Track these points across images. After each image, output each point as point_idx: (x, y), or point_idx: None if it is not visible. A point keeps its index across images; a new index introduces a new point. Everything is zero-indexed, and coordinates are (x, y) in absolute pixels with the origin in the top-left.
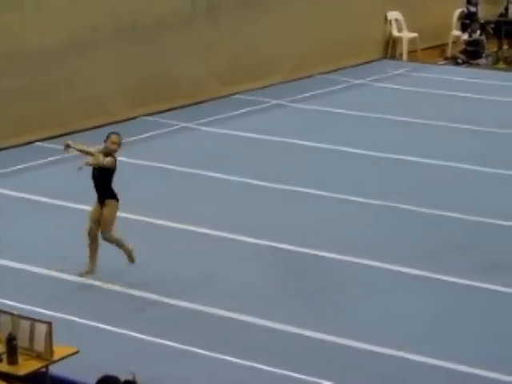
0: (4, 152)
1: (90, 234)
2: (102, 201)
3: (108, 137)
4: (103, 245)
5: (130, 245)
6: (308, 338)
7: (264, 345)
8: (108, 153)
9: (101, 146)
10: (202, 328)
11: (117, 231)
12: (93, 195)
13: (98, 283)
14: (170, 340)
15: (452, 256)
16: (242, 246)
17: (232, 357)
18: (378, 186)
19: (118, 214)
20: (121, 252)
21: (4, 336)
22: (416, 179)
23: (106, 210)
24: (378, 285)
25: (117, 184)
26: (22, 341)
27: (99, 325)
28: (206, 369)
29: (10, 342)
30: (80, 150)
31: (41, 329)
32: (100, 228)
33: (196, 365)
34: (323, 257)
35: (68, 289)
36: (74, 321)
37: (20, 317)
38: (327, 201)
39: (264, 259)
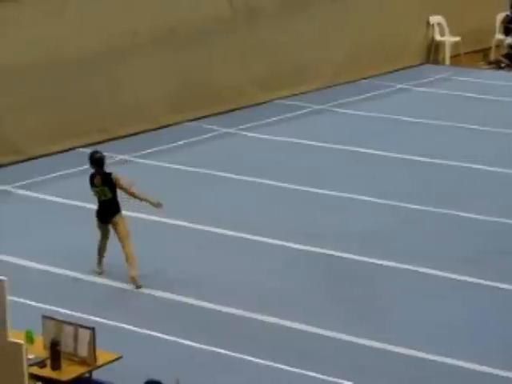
0: (46, 158)
1: None
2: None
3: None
4: (141, 249)
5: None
6: (351, 343)
7: (308, 351)
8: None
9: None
10: (244, 333)
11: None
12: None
13: (144, 290)
14: (213, 345)
15: (494, 261)
16: (285, 252)
17: (276, 363)
18: (419, 191)
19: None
20: (160, 256)
21: (48, 341)
22: (460, 184)
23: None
24: (420, 290)
25: (159, 190)
26: (66, 346)
27: (142, 330)
28: (250, 374)
29: (54, 347)
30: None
31: (84, 334)
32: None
33: (239, 370)
34: (367, 262)
35: (110, 294)
36: (116, 326)
37: (64, 322)
38: (369, 206)
39: (309, 264)
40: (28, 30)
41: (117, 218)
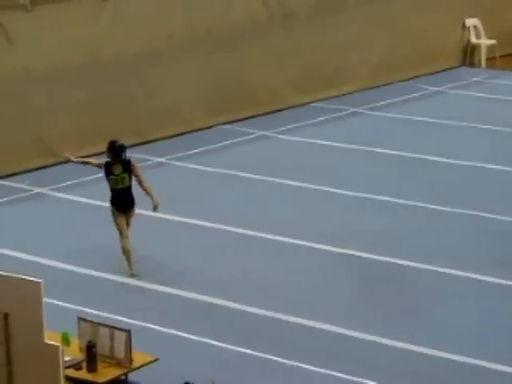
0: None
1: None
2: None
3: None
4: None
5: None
6: (375, 343)
7: (334, 351)
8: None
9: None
10: (277, 335)
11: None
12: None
13: (171, 290)
14: (243, 346)
15: None
16: (317, 254)
17: (308, 364)
18: (454, 193)
19: (196, 221)
20: (187, 256)
21: (83, 343)
22: (495, 187)
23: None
24: (443, 290)
25: (194, 192)
26: (102, 348)
27: (172, 331)
28: (283, 376)
29: (90, 349)
30: (84, 162)
31: (120, 336)
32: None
33: (270, 372)
34: (390, 262)
35: (146, 297)
36: (152, 328)
37: (99, 324)
38: (403, 208)
39: (334, 265)
40: (64, 33)
41: (135, 209)
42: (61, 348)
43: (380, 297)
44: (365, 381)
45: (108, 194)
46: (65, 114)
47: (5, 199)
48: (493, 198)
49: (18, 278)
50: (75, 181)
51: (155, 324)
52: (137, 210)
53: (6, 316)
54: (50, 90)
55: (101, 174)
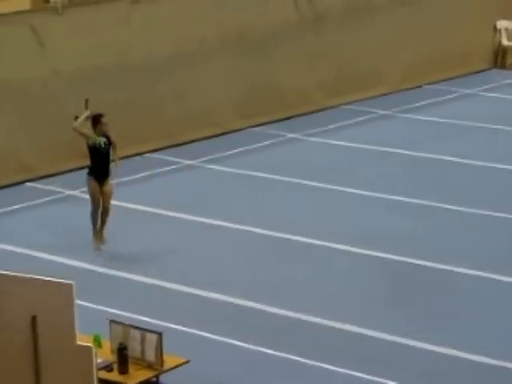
0: (112, 164)
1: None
2: (105, 177)
3: (98, 120)
4: (198, 253)
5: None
6: (411, 347)
7: (369, 355)
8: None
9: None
10: (305, 338)
11: None
12: (199, 205)
13: (200, 292)
14: (277, 350)
15: None
16: (343, 255)
17: (339, 367)
18: (488, 197)
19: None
20: (216, 261)
21: (115, 346)
22: None
23: (111, 186)
24: (480, 294)
25: (223, 195)
26: (133, 350)
27: (207, 334)
28: (313, 379)
29: (121, 351)
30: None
31: (151, 339)
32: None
33: (304, 375)
34: (424, 266)
35: (174, 298)
36: (183, 331)
37: (131, 327)
38: (433, 211)
39: (368, 269)
40: (96, 36)
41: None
42: (93, 349)
43: (416, 301)
44: (385, 381)
45: (139, 196)
46: None
47: (38, 201)
48: None
49: (47, 281)
50: None
51: (180, 325)
52: (164, 212)
53: (33, 318)
54: (81, 93)
55: (129, 177)
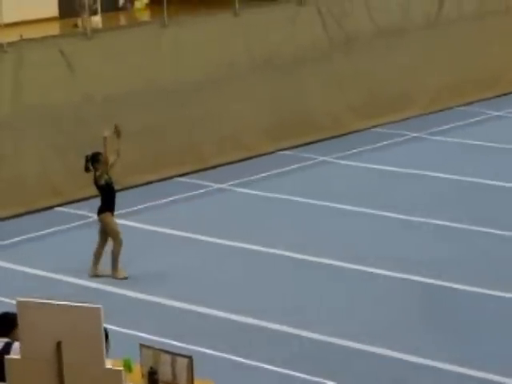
0: (143, 187)
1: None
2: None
3: (97, 158)
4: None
5: None
6: (449, 372)
7: (406, 380)
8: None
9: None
10: (333, 360)
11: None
12: (230, 229)
13: (232, 316)
14: (308, 374)
15: None
16: (376, 279)
17: None
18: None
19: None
20: (247, 285)
21: (145, 370)
22: None
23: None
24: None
25: (253, 218)
26: (164, 375)
27: (239, 359)
28: None
29: (152, 375)
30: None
31: (182, 363)
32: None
33: None
34: (454, 288)
35: (205, 322)
36: (214, 355)
37: (161, 351)
38: (467, 234)
39: (403, 292)
40: (125, 60)
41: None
42: (123, 372)
43: (454, 324)
44: None
45: (170, 219)
46: (126, 141)
47: (67, 226)
48: None
49: (74, 306)
50: (135, 207)
51: (211, 349)
52: (194, 236)
53: (58, 344)
54: (111, 118)
55: (160, 201)
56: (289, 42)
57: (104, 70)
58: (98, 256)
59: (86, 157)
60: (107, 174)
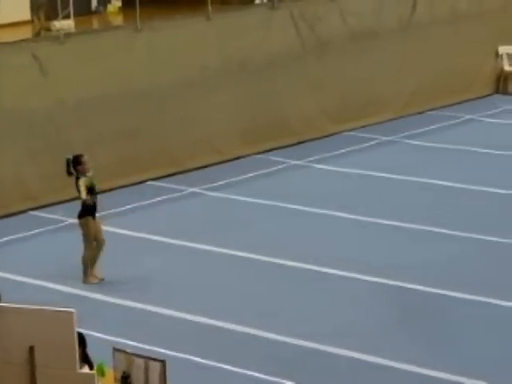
0: (116, 191)
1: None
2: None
3: (80, 160)
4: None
5: None
6: (425, 376)
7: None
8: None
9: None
10: (315, 366)
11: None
12: (203, 232)
13: (205, 320)
14: (284, 378)
15: None
16: (358, 285)
17: None
18: (492, 222)
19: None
20: (222, 288)
21: (119, 374)
22: None
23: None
24: (495, 322)
25: (227, 222)
26: (137, 379)
27: (213, 363)
28: None
29: (125, 380)
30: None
31: (155, 367)
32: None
33: None
34: (437, 294)
35: (178, 326)
36: (188, 359)
37: (134, 355)
38: (439, 238)
39: (380, 297)
40: (98, 64)
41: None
42: (96, 376)
43: (431, 329)
44: None
45: (143, 223)
46: (99, 145)
47: (39, 230)
48: None
49: (46, 310)
50: (109, 211)
51: (185, 353)
52: (168, 239)
53: (31, 348)
54: (84, 121)
55: (134, 204)
56: (262, 45)
57: (77, 74)
58: (91, 261)
59: (67, 160)
60: (85, 177)
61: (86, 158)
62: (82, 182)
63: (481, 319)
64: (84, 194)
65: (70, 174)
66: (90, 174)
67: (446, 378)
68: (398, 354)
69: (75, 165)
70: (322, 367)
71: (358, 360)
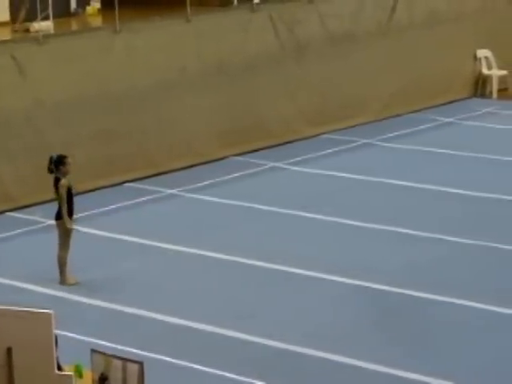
0: (94, 193)
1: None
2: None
3: (64, 161)
4: (182, 282)
5: None
6: (401, 378)
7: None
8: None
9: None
10: (287, 367)
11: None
12: (181, 234)
13: (183, 322)
14: (262, 379)
15: None
16: (332, 286)
17: None
18: (468, 225)
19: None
20: (205, 290)
21: (96, 376)
22: (508, 219)
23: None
24: (470, 324)
25: (208, 224)
26: (115, 381)
27: (193, 365)
28: None
29: (103, 381)
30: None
31: (133, 369)
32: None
33: None
34: (415, 296)
35: (158, 328)
36: (167, 361)
37: (112, 356)
38: (418, 240)
39: (357, 299)
40: (77, 66)
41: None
42: (73, 377)
43: (407, 332)
44: None
45: (121, 225)
46: (78, 146)
47: (16, 231)
48: (510, 229)
49: (24, 311)
50: (87, 213)
51: (164, 355)
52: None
53: (9, 350)
54: (62, 122)
55: (112, 206)
56: (241, 48)
57: (55, 75)
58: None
59: (50, 158)
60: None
61: (69, 161)
62: (64, 183)
63: (455, 321)
64: (69, 223)
65: (50, 171)
66: (68, 176)
67: (415, 378)
68: (370, 355)
69: (58, 164)
70: (293, 368)
71: (329, 360)
